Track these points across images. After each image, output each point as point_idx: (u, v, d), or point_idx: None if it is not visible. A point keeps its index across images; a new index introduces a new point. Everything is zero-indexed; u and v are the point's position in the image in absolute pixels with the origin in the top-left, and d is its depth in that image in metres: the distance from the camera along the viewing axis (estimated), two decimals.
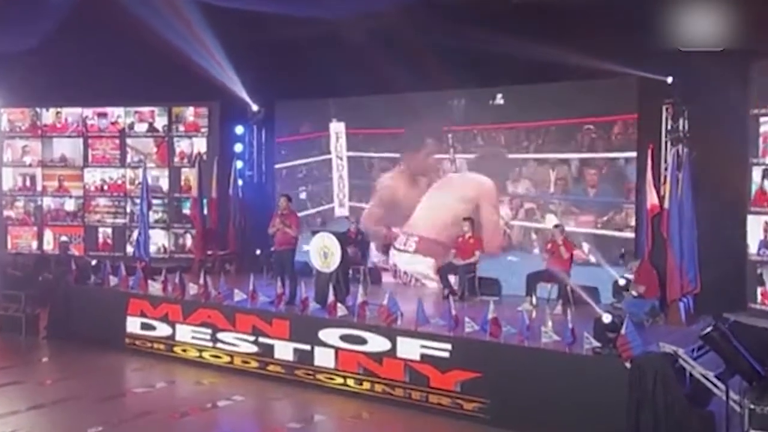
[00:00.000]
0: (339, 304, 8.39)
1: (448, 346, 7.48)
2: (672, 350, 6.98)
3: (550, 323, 7.32)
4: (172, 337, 9.66)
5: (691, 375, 6.88)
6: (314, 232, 9.41)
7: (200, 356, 9.41)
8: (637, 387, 6.46)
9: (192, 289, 9.64)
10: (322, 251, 9.12)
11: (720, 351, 6.17)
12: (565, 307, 8.86)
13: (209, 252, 12.49)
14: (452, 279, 10.08)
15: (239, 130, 13.41)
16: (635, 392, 6.47)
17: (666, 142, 9.02)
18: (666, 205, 8.47)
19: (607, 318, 6.74)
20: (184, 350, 9.57)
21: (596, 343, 6.73)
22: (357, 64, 10.74)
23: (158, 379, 9.07)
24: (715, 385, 6.65)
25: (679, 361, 6.93)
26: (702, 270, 8.45)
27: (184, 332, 9.54)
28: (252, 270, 10.32)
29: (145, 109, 13.78)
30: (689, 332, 7.62)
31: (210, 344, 9.30)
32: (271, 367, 8.76)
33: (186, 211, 13.25)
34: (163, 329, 9.74)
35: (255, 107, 13.04)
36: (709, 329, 6.21)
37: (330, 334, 8.30)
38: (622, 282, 8.70)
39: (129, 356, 9.89)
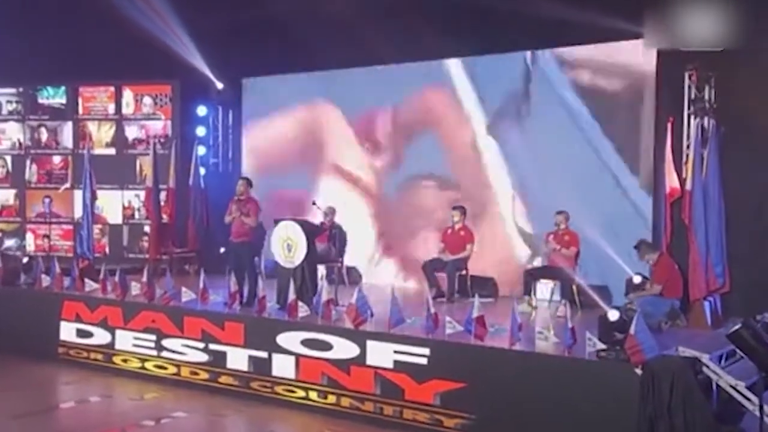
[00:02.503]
0: (301, 304, 7.83)
1: (426, 351, 6.95)
2: (694, 356, 6.45)
3: (552, 326, 6.81)
4: (111, 345, 9.16)
5: (718, 387, 6.37)
6: (277, 221, 8.88)
7: (143, 367, 8.90)
8: (651, 398, 5.93)
9: (135, 288, 9.11)
10: (285, 243, 8.62)
11: (750, 353, 5.63)
12: (570, 309, 8.32)
13: (164, 250, 11.99)
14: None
15: (202, 111, 12.93)
16: (648, 404, 5.94)
17: (689, 115, 8.46)
18: (688, 187, 7.93)
19: (613, 315, 6.20)
20: (125, 360, 9.06)
21: (601, 345, 6.18)
22: (336, 33, 10.35)
23: (93, 393, 8.61)
24: (747, 398, 6.17)
25: (703, 370, 6.41)
26: (731, 264, 7.96)
27: (125, 339, 9.04)
28: (216, 271, 9.79)
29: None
30: (715, 337, 7.10)
31: (154, 353, 8.79)
32: (223, 379, 8.25)
33: None
34: (101, 336, 9.24)
35: (219, 85, 12.59)
36: (737, 327, 5.68)
37: (290, 339, 7.79)
38: (637, 279, 8.23)
39: (62, 368, 9.40)
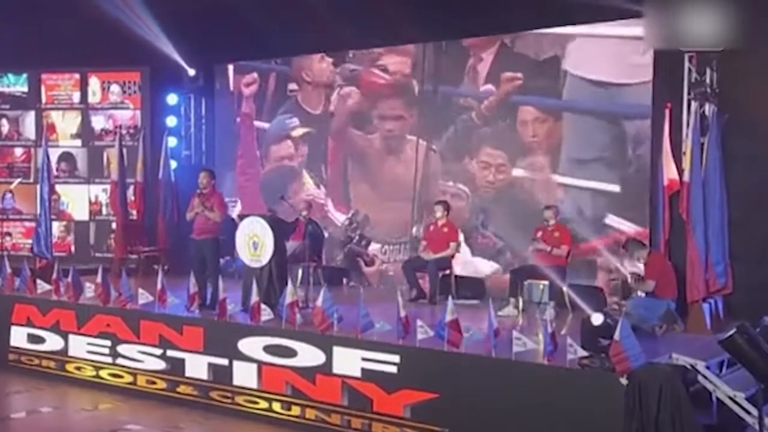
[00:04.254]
0: (264, 306, 7.58)
1: (396, 359, 6.68)
2: (689, 364, 6.17)
3: (541, 333, 6.54)
4: (64, 351, 8.92)
5: (719, 400, 6.08)
6: (242, 217, 8.64)
7: (97, 376, 8.68)
8: (637, 411, 5.64)
9: (89, 290, 8.86)
10: (251, 241, 8.34)
11: (746, 361, 5.36)
12: (560, 312, 8.09)
13: (132, 249, 11.78)
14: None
15: (172, 99, 12.67)
16: (634, 418, 5.66)
17: (689, 100, 8.15)
18: (686, 178, 7.65)
19: (597, 319, 5.92)
20: (79, 368, 8.82)
21: (583, 352, 5.89)
22: (314, 16, 10.10)
23: (44, 403, 8.38)
24: (746, 410, 5.88)
25: (699, 380, 6.13)
26: (734, 263, 7.73)
27: (79, 345, 8.80)
28: (188, 271, 9.49)
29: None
30: (715, 342, 6.77)
31: (109, 360, 8.56)
32: (181, 389, 8.02)
33: None
34: (53, 342, 9.00)
35: (191, 72, 12.34)
36: (731, 332, 5.41)
37: (252, 345, 7.54)
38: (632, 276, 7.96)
39: (12, 376, 9.15)
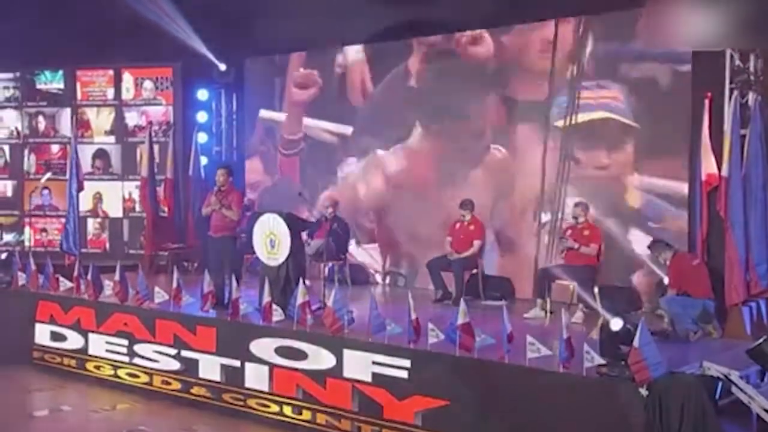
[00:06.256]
0: (275, 307, 7.38)
1: (407, 363, 6.41)
2: (721, 373, 5.74)
3: (565, 334, 6.17)
4: (84, 349, 8.90)
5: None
6: (259, 213, 8.47)
7: (115, 375, 8.64)
8: (658, 424, 5.27)
9: (109, 288, 8.81)
10: (268, 238, 8.16)
11: None
12: (590, 314, 7.69)
13: (163, 246, 11.76)
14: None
15: (203, 95, 12.61)
16: (654, 431, 5.25)
17: (731, 89, 7.65)
18: (724, 173, 7.18)
19: (616, 324, 5.54)
20: (98, 367, 8.80)
21: (600, 360, 5.52)
22: (346, 6, 9.91)
23: (64, 402, 8.38)
24: None
25: (733, 391, 5.70)
26: None
27: (98, 343, 8.77)
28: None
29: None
30: None
31: (126, 359, 8.51)
32: (195, 390, 7.91)
33: None
34: (74, 340, 8.99)
35: (222, 66, 12.25)
36: (760, 340, 4.99)
37: (263, 347, 7.37)
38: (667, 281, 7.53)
39: (35, 374, 9.21)
